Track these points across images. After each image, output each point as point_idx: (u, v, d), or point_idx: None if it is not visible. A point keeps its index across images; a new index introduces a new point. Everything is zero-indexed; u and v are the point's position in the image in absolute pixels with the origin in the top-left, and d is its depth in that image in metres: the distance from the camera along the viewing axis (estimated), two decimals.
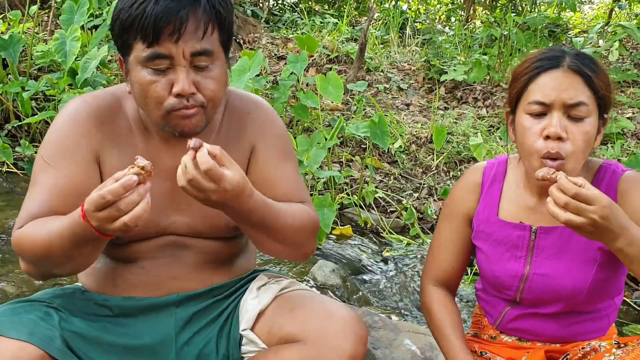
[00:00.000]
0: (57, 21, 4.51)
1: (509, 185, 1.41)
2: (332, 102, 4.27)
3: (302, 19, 6.72)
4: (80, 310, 1.32)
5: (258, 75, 4.07)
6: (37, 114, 3.64)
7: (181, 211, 1.34)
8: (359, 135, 3.76)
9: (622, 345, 1.28)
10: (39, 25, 4.70)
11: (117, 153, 1.31)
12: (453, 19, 8.12)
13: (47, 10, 5.04)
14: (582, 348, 1.36)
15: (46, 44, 4.26)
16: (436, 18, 8.46)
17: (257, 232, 1.27)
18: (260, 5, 7.37)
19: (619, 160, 3.54)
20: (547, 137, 1.24)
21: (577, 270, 1.32)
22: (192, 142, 1.09)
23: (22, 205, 1.26)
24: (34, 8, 4.11)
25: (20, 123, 3.63)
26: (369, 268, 2.94)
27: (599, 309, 1.38)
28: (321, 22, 6.75)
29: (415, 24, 7.41)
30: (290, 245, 1.33)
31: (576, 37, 6.33)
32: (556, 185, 1.13)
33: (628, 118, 4.57)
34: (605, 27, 6.12)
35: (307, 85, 4.58)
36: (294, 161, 1.46)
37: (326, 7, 8.24)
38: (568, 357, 1.35)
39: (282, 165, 1.40)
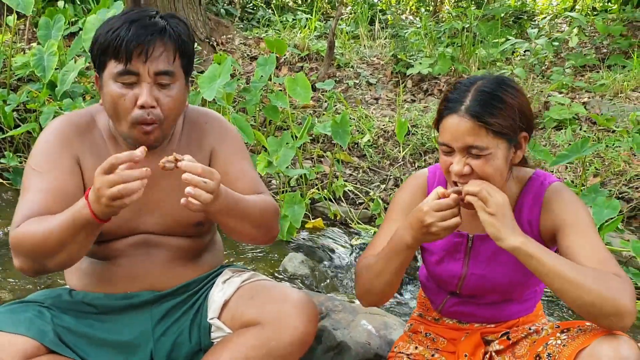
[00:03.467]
0: (34, 29, 4.61)
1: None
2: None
3: (275, 16, 6.88)
4: (69, 308, 1.53)
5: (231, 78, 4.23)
6: (19, 125, 3.78)
7: (151, 211, 1.56)
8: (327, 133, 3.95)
9: (564, 330, 1.41)
10: (16, 34, 4.80)
11: (92, 159, 1.53)
12: (423, 10, 8.30)
13: (23, 19, 5.14)
14: (526, 328, 1.55)
15: (24, 53, 4.37)
16: (406, 9, 8.63)
17: (235, 221, 1.49)
18: (234, 3, 7.50)
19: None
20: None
21: (510, 270, 1.51)
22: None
23: (17, 208, 1.45)
24: (11, 18, 4.16)
25: (4, 135, 3.77)
26: (338, 257, 3.16)
27: (526, 294, 1.61)
28: (293, 19, 6.91)
29: (385, 16, 7.58)
30: (260, 228, 1.56)
31: (537, 25, 6.56)
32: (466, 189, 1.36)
33: (583, 103, 4.78)
34: (558, 17, 6.37)
35: (279, 85, 4.75)
36: (250, 160, 1.71)
37: (299, 1, 8.38)
38: (509, 335, 1.57)
39: (240, 163, 1.65)
